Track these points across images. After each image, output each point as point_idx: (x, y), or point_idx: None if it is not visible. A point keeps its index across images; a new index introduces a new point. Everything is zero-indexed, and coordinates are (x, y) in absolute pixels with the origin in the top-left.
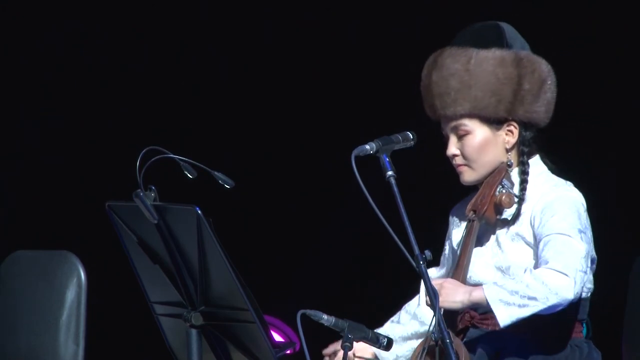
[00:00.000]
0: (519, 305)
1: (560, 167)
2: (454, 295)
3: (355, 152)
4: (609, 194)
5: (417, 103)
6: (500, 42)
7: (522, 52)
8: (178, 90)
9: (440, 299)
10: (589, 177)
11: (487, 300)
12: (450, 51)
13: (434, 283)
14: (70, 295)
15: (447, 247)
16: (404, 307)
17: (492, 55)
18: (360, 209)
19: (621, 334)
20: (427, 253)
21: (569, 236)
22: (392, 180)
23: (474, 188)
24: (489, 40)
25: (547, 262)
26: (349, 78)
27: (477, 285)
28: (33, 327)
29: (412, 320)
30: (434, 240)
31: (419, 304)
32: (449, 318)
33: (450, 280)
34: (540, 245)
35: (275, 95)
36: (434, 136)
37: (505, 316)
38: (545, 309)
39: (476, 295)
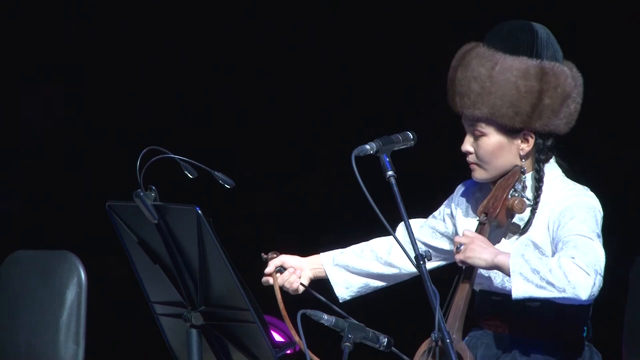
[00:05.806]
0: (536, 285)
1: (573, 170)
2: (481, 252)
3: (355, 152)
4: (608, 193)
5: (416, 102)
6: (530, 49)
7: (549, 63)
8: (178, 90)
9: (468, 253)
10: (589, 177)
11: (509, 269)
12: (478, 51)
13: (466, 234)
14: (70, 295)
15: (444, 217)
16: (369, 244)
17: (517, 64)
18: (361, 209)
19: (621, 334)
20: (427, 253)
21: (591, 239)
22: (392, 180)
23: None
24: (520, 46)
25: (573, 258)
26: (349, 78)
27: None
28: (33, 327)
29: (374, 261)
30: None
31: (389, 252)
32: (467, 271)
33: (481, 237)
34: (560, 245)
35: (276, 95)
36: (434, 136)
37: (520, 290)
38: (558, 299)
39: (501, 259)
